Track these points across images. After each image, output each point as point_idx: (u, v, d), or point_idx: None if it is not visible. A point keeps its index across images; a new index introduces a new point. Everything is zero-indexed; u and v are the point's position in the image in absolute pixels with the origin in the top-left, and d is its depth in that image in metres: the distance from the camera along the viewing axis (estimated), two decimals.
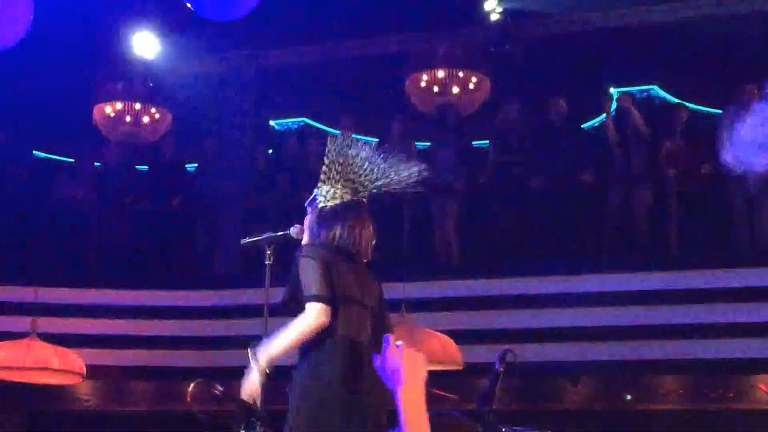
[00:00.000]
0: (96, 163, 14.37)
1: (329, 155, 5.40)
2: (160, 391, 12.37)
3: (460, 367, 9.12)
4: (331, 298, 5.06)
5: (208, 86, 13.48)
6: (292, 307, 5.15)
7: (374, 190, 5.41)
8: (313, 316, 5.00)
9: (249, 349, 5.02)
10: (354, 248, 5.30)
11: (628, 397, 9.58)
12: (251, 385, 4.98)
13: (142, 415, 12.54)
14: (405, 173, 5.42)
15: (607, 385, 11.31)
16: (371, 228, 5.42)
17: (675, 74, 13.08)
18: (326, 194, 5.34)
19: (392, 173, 5.40)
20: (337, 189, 5.34)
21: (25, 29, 7.61)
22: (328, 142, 5.46)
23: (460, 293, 11.38)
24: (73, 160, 14.23)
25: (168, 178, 13.66)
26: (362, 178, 5.37)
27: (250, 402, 4.73)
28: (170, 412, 11.77)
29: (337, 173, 5.36)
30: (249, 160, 13.60)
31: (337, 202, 5.33)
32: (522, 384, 10.39)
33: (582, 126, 13.05)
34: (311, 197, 5.41)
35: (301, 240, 5.46)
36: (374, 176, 5.38)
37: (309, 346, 5.09)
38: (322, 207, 5.34)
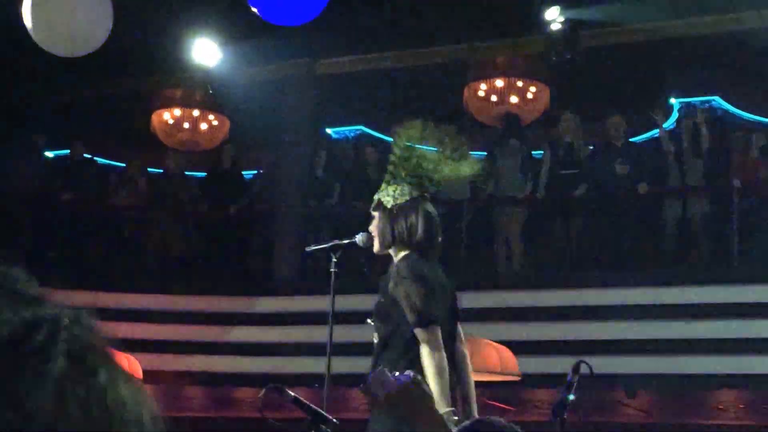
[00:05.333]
0: (154, 170, 14.46)
1: (395, 153, 5.40)
2: (216, 396, 12.40)
3: (518, 379, 9.06)
4: (435, 314, 5.05)
5: (266, 94, 13.51)
6: (381, 328, 5.19)
7: (441, 184, 5.42)
8: (434, 345, 4.99)
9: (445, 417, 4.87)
10: (431, 242, 5.31)
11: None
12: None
13: (197, 421, 12.57)
14: (469, 168, 5.43)
15: (664, 399, 11.20)
16: (438, 221, 5.43)
17: (737, 85, 12.95)
18: (394, 193, 5.33)
19: (458, 167, 5.40)
20: (405, 186, 5.33)
21: (106, 35, 7.65)
22: (394, 138, 5.47)
23: (519, 303, 11.33)
24: (132, 166, 14.30)
25: (226, 185, 13.71)
26: (429, 171, 5.36)
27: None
28: (225, 418, 11.80)
29: (404, 170, 5.35)
30: (306, 167, 13.62)
31: (407, 198, 5.32)
32: (578, 396, 10.32)
33: (640, 137, 12.96)
34: (376, 202, 5.39)
35: (369, 248, 5.45)
36: (441, 169, 5.37)
37: (400, 360, 5.07)
38: (392, 206, 5.32)
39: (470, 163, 5.49)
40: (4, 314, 0.67)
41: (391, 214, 5.32)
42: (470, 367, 5.41)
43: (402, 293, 5.08)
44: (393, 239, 5.30)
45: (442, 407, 4.86)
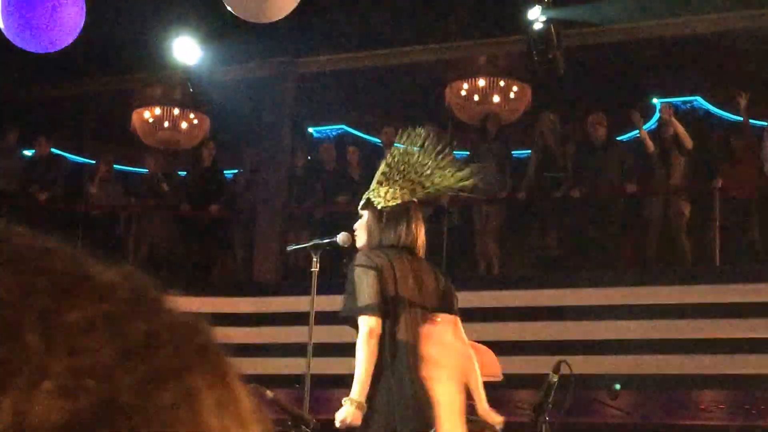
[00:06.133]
0: (133, 168, 14.38)
1: (393, 156, 5.48)
2: None
3: (500, 379, 9.02)
4: (383, 307, 5.12)
5: (247, 93, 13.45)
6: (351, 321, 5.25)
7: (430, 192, 5.47)
8: (365, 333, 5.08)
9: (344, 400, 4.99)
10: (416, 247, 5.38)
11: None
12: (348, 416, 4.95)
13: None
14: (459, 179, 5.52)
15: (646, 399, 11.19)
16: (424, 227, 5.51)
17: (718, 85, 12.96)
18: (385, 195, 5.39)
19: (449, 177, 5.49)
20: (397, 190, 5.39)
21: (77, 32, 7.59)
22: (398, 141, 5.59)
23: (500, 303, 11.31)
24: (105, 164, 14.19)
25: (206, 185, 13.64)
26: (422, 178, 5.45)
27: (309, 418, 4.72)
28: None
29: (399, 173, 5.43)
30: (287, 166, 13.57)
31: (398, 202, 5.38)
32: (559, 397, 10.29)
33: (621, 138, 12.96)
34: (365, 201, 5.43)
35: (348, 247, 5.48)
36: (433, 178, 5.46)
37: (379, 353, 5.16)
38: (382, 208, 5.38)
39: (461, 175, 5.57)
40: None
41: (381, 216, 5.38)
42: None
43: (355, 278, 5.19)
44: (380, 240, 5.32)
45: (354, 393, 4.99)
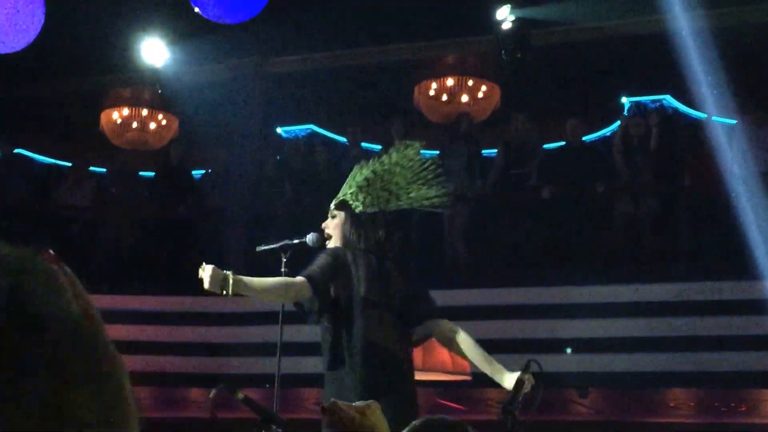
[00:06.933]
0: (102, 169, 14.32)
1: (383, 164, 5.55)
2: (164, 397, 12.29)
3: (469, 378, 9.03)
4: (322, 286, 5.20)
5: (215, 93, 13.42)
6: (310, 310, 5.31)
7: (402, 205, 5.59)
8: (296, 285, 5.15)
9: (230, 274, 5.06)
10: (388, 253, 5.45)
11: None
12: (212, 273, 5.05)
13: (146, 421, 12.44)
14: (435, 196, 5.61)
15: (616, 397, 11.23)
16: (397, 235, 5.61)
17: (688, 84, 13.00)
18: (364, 200, 5.43)
19: (427, 192, 5.58)
20: (376, 198, 5.48)
21: (36, 33, 7.56)
22: (391, 152, 5.65)
23: (468, 302, 11.31)
24: (78, 166, 14.12)
25: (174, 185, 13.59)
26: (400, 191, 5.54)
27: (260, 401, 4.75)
28: (175, 418, 11.70)
29: (382, 182, 5.50)
30: (256, 166, 13.54)
31: (376, 210, 5.47)
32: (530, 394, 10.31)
33: (591, 136, 13.00)
34: (340, 202, 5.46)
35: (318, 247, 5.51)
36: (410, 193, 5.55)
37: (333, 351, 5.24)
38: (360, 213, 5.45)
39: (438, 191, 5.62)
40: None
41: (358, 220, 5.46)
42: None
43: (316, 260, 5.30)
44: (353, 242, 5.38)
45: (238, 278, 5.12)
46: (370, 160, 5.68)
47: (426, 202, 5.60)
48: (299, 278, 5.17)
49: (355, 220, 5.44)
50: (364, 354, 5.17)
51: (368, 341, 5.19)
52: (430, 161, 5.68)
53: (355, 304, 5.24)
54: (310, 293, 5.17)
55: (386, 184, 5.51)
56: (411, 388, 5.40)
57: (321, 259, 5.26)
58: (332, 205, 5.55)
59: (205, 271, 5.02)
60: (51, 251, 0.74)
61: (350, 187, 5.54)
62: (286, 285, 5.18)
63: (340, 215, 5.49)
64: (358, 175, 5.56)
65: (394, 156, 5.60)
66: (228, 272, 5.05)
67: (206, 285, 4.99)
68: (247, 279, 5.12)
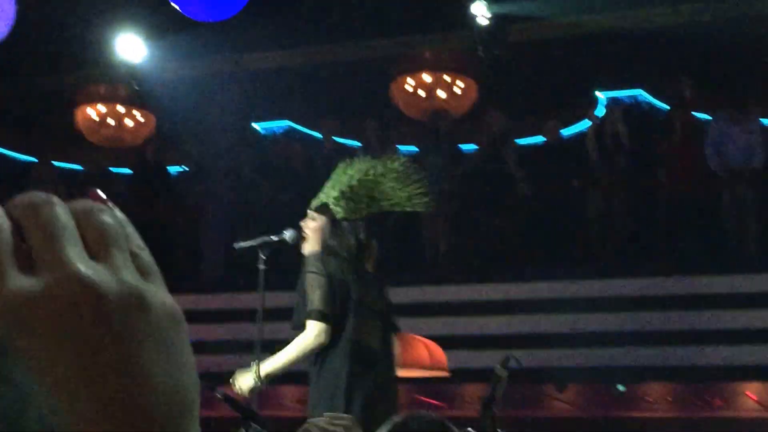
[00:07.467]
0: (77, 166, 14.26)
1: (370, 174, 5.57)
2: None
3: (448, 374, 9.04)
4: (333, 316, 5.21)
5: (192, 89, 13.37)
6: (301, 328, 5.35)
7: (384, 209, 5.61)
8: (312, 335, 5.17)
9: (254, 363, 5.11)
10: (367, 260, 5.50)
11: (621, 387, 9.57)
12: (245, 383, 5.09)
13: None
14: (417, 202, 5.64)
15: (594, 393, 11.25)
16: (376, 242, 5.63)
17: (662, 79, 13.04)
18: (347, 206, 5.44)
19: (407, 199, 5.63)
20: (358, 204, 5.50)
21: (7, 29, 7.52)
22: (376, 164, 5.66)
23: (447, 298, 11.32)
24: (44, 163, 14.05)
25: (151, 182, 13.55)
26: (383, 199, 5.59)
27: (240, 398, 4.81)
28: None
29: (367, 190, 5.52)
30: (233, 163, 13.51)
31: (357, 216, 5.49)
32: (508, 390, 10.33)
33: (566, 130, 13.02)
34: (321, 204, 5.45)
35: (297, 245, 5.49)
36: (392, 199, 5.60)
37: (322, 353, 5.25)
38: (341, 218, 5.46)
39: (420, 198, 5.66)
40: None
41: (339, 227, 5.46)
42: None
43: (307, 284, 5.28)
44: (333, 247, 5.37)
45: (263, 371, 5.16)
46: (354, 162, 5.67)
47: (407, 204, 5.63)
48: (311, 327, 5.20)
49: (335, 226, 5.43)
50: (353, 354, 5.18)
51: (357, 342, 5.21)
52: (413, 169, 5.70)
53: (348, 307, 5.26)
54: (329, 330, 5.20)
55: (370, 192, 5.53)
56: (395, 387, 5.45)
57: (314, 284, 5.25)
58: (312, 207, 5.53)
59: (238, 382, 5.19)
60: (98, 190, 0.74)
61: (333, 190, 5.51)
62: (306, 345, 5.19)
63: (321, 219, 5.47)
64: (343, 176, 5.54)
65: (380, 168, 5.61)
66: (254, 367, 5.17)
67: (246, 393, 5.14)
68: (272, 364, 5.24)
